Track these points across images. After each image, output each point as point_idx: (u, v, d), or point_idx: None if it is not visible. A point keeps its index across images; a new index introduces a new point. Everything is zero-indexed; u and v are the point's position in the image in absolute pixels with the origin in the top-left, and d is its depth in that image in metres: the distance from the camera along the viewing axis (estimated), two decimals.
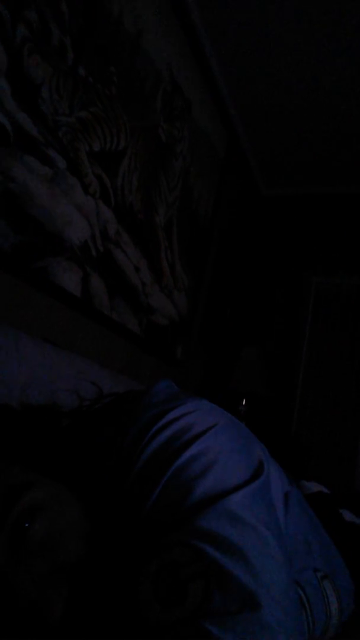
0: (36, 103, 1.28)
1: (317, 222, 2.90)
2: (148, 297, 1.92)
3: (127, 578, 0.45)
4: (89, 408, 0.61)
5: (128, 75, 1.68)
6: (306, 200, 2.98)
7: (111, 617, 0.45)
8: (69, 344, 1.47)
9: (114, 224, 1.67)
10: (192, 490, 0.48)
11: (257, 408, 2.49)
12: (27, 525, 0.46)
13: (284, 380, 2.70)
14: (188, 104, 2.12)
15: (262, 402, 2.53)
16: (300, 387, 2.68)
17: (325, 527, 0.77)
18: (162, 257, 2.02)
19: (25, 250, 1.28)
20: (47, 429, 0.55)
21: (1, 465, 0.49)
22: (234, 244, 2.86)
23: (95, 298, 1.59)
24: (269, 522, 0.49)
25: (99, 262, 1.59)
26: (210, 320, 2.60)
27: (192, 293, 2.32)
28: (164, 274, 2.04)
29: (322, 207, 2.92)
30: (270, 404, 2.59)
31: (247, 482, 0.50)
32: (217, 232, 2.60)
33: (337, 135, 2.52)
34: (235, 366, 2.50)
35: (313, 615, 0.61)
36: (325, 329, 2.71)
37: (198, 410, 0.55)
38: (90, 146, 1.51)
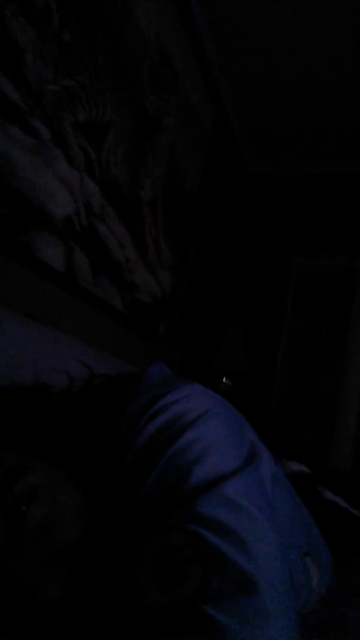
0: (19, 68, 1.22)
1: (302, 203, 2.89)
2: (132, 273, 1.90)
3: (124, 560, 0.45)
4: (81, 390, 0.60)
5: (115, 43, 1.62)
6: (292, 180, 2.96)
7: (109, 600, 0.45)
8: (52, 321, 1.45)
9: (98, 198, 1.63)
10: (189, 475, 0.48)
11: (238, 385, 2.52)
12: (24, 509, 0.46)
13: (265, 358, 2.72)
14: (175, 75, 2.07)
15: (243, 380, 2.55)
16: (279, 364, 2.71)
17: (306, 505, 0.79)
18: (147, 234, 1.99)
19: (6, 224, 1.24)
20: (40, 411, 0.54)
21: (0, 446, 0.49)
22: (219, 222, 2.84)
23: (79, 274, 1.56)
24: (263, 506, 0.50)
25: (83, 236, 1.56)
26: (193, 297, 2.59)
27: (176, 270, 2.30)
28: (149, 250, 2.01)
29: (307, 187, 2.91)
30: (251, 381, 2.62)
31: (241, 466, 0.51)
32: (202, 209, 2.57)
33: (326, 116, 2.50)
34: (218, 344, 2.51)
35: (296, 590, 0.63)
36: (306, 308, 2.74)
37: (192, 394, 0.55)
38: (75, 116, 1.46)
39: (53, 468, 0.50)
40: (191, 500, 0.47)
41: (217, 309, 2.84)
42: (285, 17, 2.02)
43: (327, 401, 2.56)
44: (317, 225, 2.80)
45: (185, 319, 2.53)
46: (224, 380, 2.49)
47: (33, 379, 0.84)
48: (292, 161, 2.91)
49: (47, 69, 1.32)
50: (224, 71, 2.39)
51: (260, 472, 0.56)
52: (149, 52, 1.84)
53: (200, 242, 2.63)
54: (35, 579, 0.44)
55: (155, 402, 0.52)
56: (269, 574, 0.44)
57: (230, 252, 2.97)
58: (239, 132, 2.80)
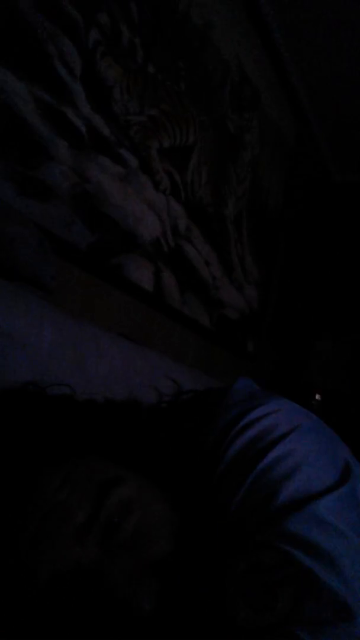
0: (108, 104, 1.31)
1: None
2: (218, 290, 1.92)
3: (214, 577, 0.45)
4: (169, 405, 0.62)
5: (196, 69, 1.68)
6: None
7: (198, 614, 0.45)
8: (142, 339, 1.51)
9: (184, 219, 1.68)
10: (279, 492, 0.47)
11: (331, 402, 2.42)
12: (117, 520, 0.46)
13: (357, 376, 2.59)
14: (257, 93, 2.08)
15: (336, 397, 2.45)
16: None
17: None
18: (232, 251, 2.01)
19: (100, 248, 1.33)
20: (130, 425, 0.56)
21: (91, 459, 0.50)
22: (306, 233, 2.78)
23: (167, 293, 1.62)
24: (358, 528, 0.47)
25: (170, 257, 1.61)
26: (281, 312, 2.55)
27: (263, 286, 2.28)
28: (234, 267, 2.02)
29: None
30: (346, 398, 2.51)
31: (334, 485, 0.49)
32: (287, 221, 2.54)
33: None
34: (308, 359, 2.44)
35: None
36: None
37: (281, 409, 0.54)
38: (160, 143, 1.53)
39: (144, 481, 0.50)
40: (282, 518, 0.45)
41: (308, 323, 2.77)
42: None
43: None
44: None
45: (273, 334, 2.50)
46: (316, 396, 2.41)
47: (125, 394, 0.88)
48: None
49: (133, 101, 1.40)
50: (304, 83, 2.36)
51: (355, 492, 0.53)
52: (229, 73, 1.87)
53: (287, 255, 2.59)
54: (128, 591, 0.44)
55: (244, 416, 0.52)
56: None
57: (319, 264, 2.89)
58: (322, 142, 2.74)
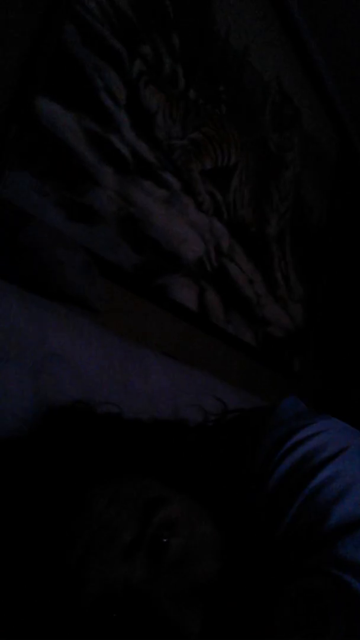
0: (152, 130, 1.36)
1: None
2: (263, 308, 1.91)
3: (263, 600, 0.44)
4: (215, 424, 0.61)
5: (236, 92, 1.71)
6: None
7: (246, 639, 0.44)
8: (186, 357, 1.51)
9: (227, 239, 1.69)
10: (329, 514, 0.45)
11: None
12: (165, 540, 0.45)
13: None
14: (297, 112, 2.09)
15: None
16: None
17: None
18: (276, 268, 2.00)
19: (145, 269, 1.35)
20: (177, 445, 0.56)
21: (137, 478, 0.50)
22: (352, 250, 2.73)
23: (211, 311, 1.62)
24: None
25: (213, 276, 1.62)
26: (329, 330, 2.50)
27: (308, 303, 2.25)
28: (278, 285, 2.01)
29: None
30: None
31: None
32: (332, 239, 2.50)
33: None
34: (358, 380, 2.37)
35: None
36: None
37: (329, 429, 0.53)
38: (202, 165, 1.55)
39: (190, 501, 0.50)
40: (332, 542, 0.44)
41: (356, 341, 2.69)
42: None
43: None
44: None
45: (320, 352, 2.44)
46: None
47: (171, 413, 0.89)
48: None
49: (175, 126, 1.44)
50: (345, 99, 2.35)
51: None
52: (269, 93, 1.89)
53: (333, 272, 2.54)
54: (174, 614, 0.43)
55: (292, 436, 0.51)
56: None
57: None
58: None
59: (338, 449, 0.50)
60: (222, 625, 0.44)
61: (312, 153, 2.24)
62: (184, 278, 1.49)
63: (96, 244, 1.21)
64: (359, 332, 2.71)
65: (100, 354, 0.88)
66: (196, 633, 0.43)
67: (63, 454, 0.52)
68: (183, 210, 1.49)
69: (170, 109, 1.41)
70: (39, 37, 1.08)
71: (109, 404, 0.64)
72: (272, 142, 1.93)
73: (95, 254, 1.19)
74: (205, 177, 1.57)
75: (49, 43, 1.10)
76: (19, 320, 0.72)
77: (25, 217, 0.99)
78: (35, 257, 0.91)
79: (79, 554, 0.45)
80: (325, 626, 0.40)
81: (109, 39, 1.22)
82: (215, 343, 1.67)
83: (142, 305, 1.37)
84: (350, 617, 0.39)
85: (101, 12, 1.20)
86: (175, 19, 1.41)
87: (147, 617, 0.44)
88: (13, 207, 1.03)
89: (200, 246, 1.56)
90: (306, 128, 2.17)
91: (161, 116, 1.38)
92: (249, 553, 0.49)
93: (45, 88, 1.09)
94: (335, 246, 2.55)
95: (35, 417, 0.64)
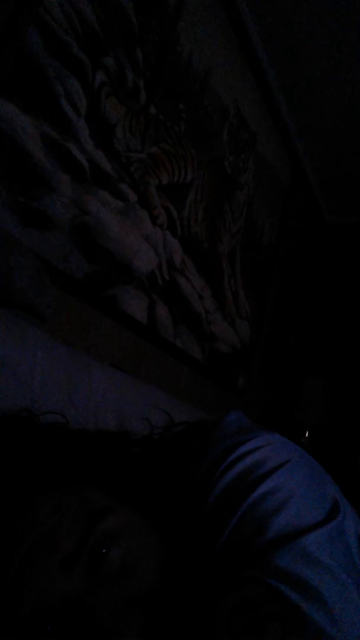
0: (111, 141, 1.36)
1: None
2: (211, 324, 1.94)
3: (201, 611, 0.44)
4: (160, 436, 0.62)
5: (196, 111, 1.75)
6: None
7: None
8: (134, 370, 1.51)
9: (179, 253, 1.71)
10: (267, 526, 0.47)
11: (320, 441, 2.41)
12: (104, 551, 0.45)
13: (349, 413, 2.59)
14: (253, 136, 2.16)
15: (325, 435, 2.44)
16: None
17: None
18: (226, 286, 2.04)
19: (96, 279, 1.34)
20: (121, 456, 0.56)
21: (81, 489, 0.50)
22: (298, 272, 2.83)
23: (160, 325, 1.63)
24: (346, 565, 0.47)
25: (164, 290, 1.64)
26: (272, 349, 2.57)
27: (255, 321, 2.31)
28: (227, 302, 2.05)
29: None
30: (334, 437, 2.50)
31: (323, 522, 0.49)
32: (280, 260, 2.59)
33: None
34: (298, 397, 2.44)
35: None
36: None
37: (271, 444, 0.54)
38: (159, 180, 1.57)
39: (133, 513, 0.50)
40: (270, 553, 0.45)
41: (298, 360, 2.78)
42: (355, 76, 2.07)
43: None
44: None
45: (264, 370, 2.51)
46: (306, 434, 2.40)
47: (117, 425, 0.88)
48: None
49: (135, 139, 1.45)
50: (298, 127, 2.46)
51: (344, 529, 0.53)
52: (227, 116, 1.95)
53: (280, 293, 2.63)
54: (112, 625, 0.43)
55: (234, 450, 0.52)
56: (352, 637, 0.41)
57: (310, 303, 2.93)
58: (315, 184, 2.83)
59: (278, 463, 0.52)
60: (161, 635, 0.44)
61: (266, 176, 2.32)
62: (135, 290, 1.50)
63: (48, 251, 1.19)
64: (302, 352, 2.81)
65: (46, 363, 0.86)
66: None
67: (6, 462, 0.51)
68: (138, 222, 1.49)
69: (130, 122, 1.42)
70: (0, 38, 1.07)
71: (55, 414, 0.63)
72: (228, 163, 1.99)
73: (47, 260, 1.17)
74: (161, 192, 1.59)
75: (10, 44, 1.08)
76: None
77: None
78: None
79: (18, 562, 0.45)
80: (261, 636, 0.40)
81: (72, 47, 1.22)
82: (163, 356, 1.68)
83: (91, 316, 1.36)
84: (284, 626, 0.41)
85: (66, 20, 1.20)
86: (140, 35, 1.44)
87: (84, 628, 0.43)
88: None
89: (152, 259, 1.57)
90: (261, 152, 2.25)
91: (121, 128, 1.39)
92: (190, 564, 0.49)
93: (1, 88, 1.07)
94: (282, 267, 2.64)
95: None
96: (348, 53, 1.99)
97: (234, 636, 0.41)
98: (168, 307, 1.66)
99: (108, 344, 1.43)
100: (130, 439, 0.61)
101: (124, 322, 1.47)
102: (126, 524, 0.48)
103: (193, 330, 1.81)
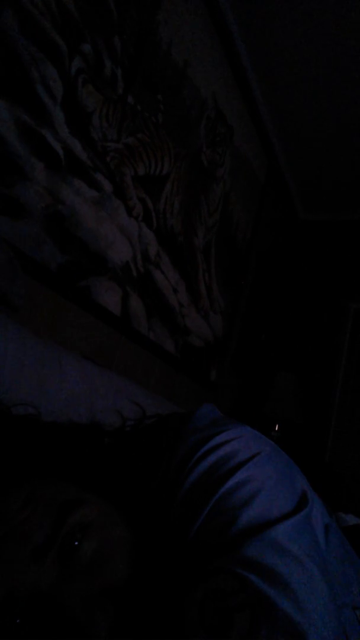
0: (87, 130, 1.34)
1: (356, 248, 2.87)
2: (185, 318, 1.94)
3: (172, 602, 0.45)
4: (133, 429, 0.62)
5: (174, 103, 1.74)
6: (345, 226, 2.96)
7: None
8: (107, 362, 1.50)
9: (154, 246, 1.70)
10: (237, 518, 0.48)
11: (290, 435, 2.45)
12: (77, 542, 0.46)
13: (319, 407, 2.65)
14: (230, 130, 2.17)
15: (294, 428, 2.49)
16: (335, 415, 2.62)
17: None
18: (200, 279, 2.04)
19: (70, 270, 1.33)
20: (93, 448, 0.56)
21: (53, 481, 0.49)
22: (272, 268, 2.86)
23: (134, 317, 1.62)
24: (314, 555, 0.48)
25: (139, 282, 1.63)
26: (245, 343, 2.59)
27: (229, 316, 2.32)
28: (201, 296, 2.06)
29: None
30: (303, 431, 2.55)
31: (292, 513, 0.50)
32: (254, 255, 2.61)
33: None
34: (269, 391, 2.47)
35: None
36: None
37: (242, 436, 0.55)
38: (135, 171, 1.56)
39: (105, 505, 0.50)
40: (240, 543, 0.46)
41: (269, 355, 2.82)
42: (335, 68, 2.09)
43: None
44: None
45: (236, 364, 2.53)
46: (276, 428, 2.44)
47: (88, 417, 0.87)
48: (345, 206, 2.92)
49: (111, 129, 1.43)
50: (275, 124, 2.48)
51: (311, 520, 0.55)
52: (205, 109, 1.95)
53: (253, 288, 2.65)
54: (83, 616, 0.43)
55: (206, 442, 0.53)
56: (320, 626, 0.42)
57: (283, 298, 2.96)
58: (290, 181, 2.86)
59: (249, 455, 0.53)
60: (132, 626, 0.45)
61: (242, 171, 2.33)
62: (109, 282, 1.48)
63: (20, 240, 1.17)
64: (273, 348, 2.84)
65: (17, 353, 0.85)
66: (103, 635, 0.43)
67: None
68: (113, 213, 1.48)
69: (107, 111, 1.40)
70: None
71: (26, 406, 0.63)
72: (204, 156, 1.98)
73: (19, 249, 1.15)
74: (137, 183, 1.58)
75: None
76: None
77: None
78: None
79: None
80: (230, 625, 0.41)
81: (49, 32, 1.19)
82: (136, 349, 1.67)
83: (64, 306, 1.34)
84: (252, 615, 0.42)
85: (43, 4, 1.17)
86: (118, 23, 1.41)
87: (54, 619, 0.43)
88: None
89: (127, 251, 1.56)
90: (238, 147, 2.25)
91: (97, 117, 1.37)
92: (161, 556, 0.50)
93: None
94: (256, 262, 2.66)
95: None
96: (327, 50, 2.01)
97: (204, 626, 0.42)
98: (142, 300, 1.65)
99: (80, 336, 1.41)
100: (103, 431, 0.61)
101: (97, 313, 1.46)
102: (98, 516, 0.48)
103: (167, 324, 1.81)
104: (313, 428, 2.60)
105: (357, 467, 2.46)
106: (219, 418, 0.59)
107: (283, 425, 2.45)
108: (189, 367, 2.01)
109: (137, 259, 1.61)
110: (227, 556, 0.45)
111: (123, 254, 1.54)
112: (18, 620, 0.43)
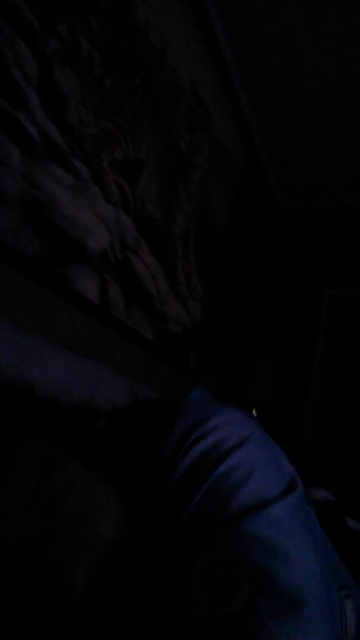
0: (63, 114, 1.31)
1: (333, 235, 2.91)
2: (163, 305, 1.94)
3: (173, 573, 0.48)
4: (122, 414, 0.64)
5: (152, 87, 1.71)
6: (322, 213, 2.99)
7: (153, 605, 0.47)
8: (85, 350, 1.49)
9: (133, 232, 1.69)
10: (233, 498, 0.51)
11: (268, 419, 2.49)
12: (60, 500, 0.49)
13: (296, 390, 2.70)
14: (209, 116, 2.15)
15: (273, 414, 2.53)
16: (311, 399, 2.68)
17: (332, 537, 0.79)
18: (179, 266, 2.04)
19: (47, 258, 1.31)
20: (87, 424, 0.59)
21: (41, 443, 0.53)
22: (250, 254, 2.87)
23: (112, 304, 1.61)
24: (307, 534, 0.52)
25: (117, 269, 1.62)
26: (223, 329, 2.61)
27: (207, 302, 2.33)
28: (180, 282, 2.06)
29: (338, 220, 2.93)
30: (281, 415, 2.59)
31: (284, 493, 0.54)
32: (233, 242, 2.62)
33: (356, 149, 2.53)
34: (247, 376, 2.51)
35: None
36: (339, 341, 2.72)
37: (233, 420, 0.58)
38: (113, 156, 1.54)
39: (93, 471, 0.53)
40: (237, 520, 0.49)
41: (247, 340, 2.85)
42: (315, 52, 2.09)
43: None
44: (349, 257, 2.81)
45: (215, 350, 2.55)
46: (253, 412, 2.48)
47: (67, 405, 0.87)
48: (322, 194, 2.95)
49: (88, 113, 1.40)
50: (254, 110, 2.47)
51: (302, 501, 0.58)
52: (184, 94, 1.92)
53: (231, 274, 2.66)
54: (62, 567, 0.46)
55: (198, 427, 0.56)
56: (318, 598, 0.46)
57: (260, 284, 2.99)
58: (269, 167, 2.86)
59: (239, 440, 0.56)
60: (130, 596, 0.48)
61: (220, 158, 2.32)
62: (87, 269, 1.47)
63: None
64: (251, 333, 2.87)
65: None
66: (81, 588, 0.46)
67: None
68: (91, 199, 1.46)
69: (83, 94, 1.37)
70: None
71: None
72: (183, 141, 1.96)
73: None
74: (115, 168, 1.56)
75: None
76: None
77: None
78: None
79: None
80: (231, 596, 0.45)
81: (22, 10, 1.16)
82: (115, 337, 1.67)
83: (42, 295, 1.32)
84: (253, 585, 0.45)
85: None
86: (95, 2, 1.38)
87: (37, 570, 0.46)
88: None
89: (105, 237, 1.54)
90: (216, 133, 2.24)
91: (74, 100, 1.34)
92: (158, 531, 0.53)
93: None
94: (235, 249, 2.67)
95: None
96: (308, 35, 2.00)
97: (207, 597, 0.45)
98: (120, 287, 1.64)
99: (58, 324, 1.40)
100: (97, 413, 0.64)
101: (75, 301, 1.44)
102: (82, 477, 0.52)
103: (145, 310, 1.81)
104: (290, 412, 2.65)
105: (333, 448, 2.52)
106: (209, 401, 0.62)
107: (261, 410, 2.48)
108: (168, 353, 2.02)
109: (115, 246, 1.60)
110: (227, 531, 0.49)
111: (101, 240, 1.53)
112: (3, 570, 0.47)
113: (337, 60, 2.07)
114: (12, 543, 0.46)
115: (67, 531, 0.48)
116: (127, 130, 1.59)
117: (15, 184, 1.18)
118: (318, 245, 2.93)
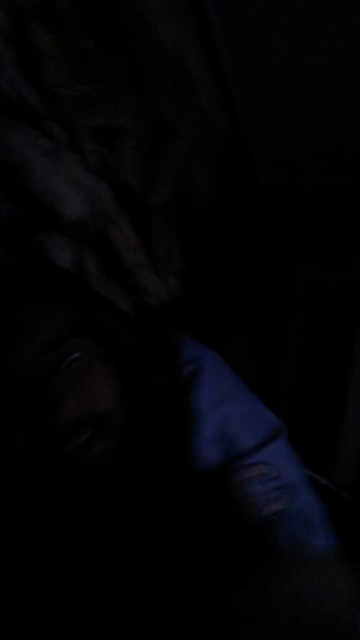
0: (39, 73, 1.26)
1: (312, 217, 2.91)
2: (141, 277, 1.91)
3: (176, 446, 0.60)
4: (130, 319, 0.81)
5: (136, 52, 1.65)
6: (304, 195, 2.98)
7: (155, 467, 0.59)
8: None
9: (111, 202, 1.65)
10: (238, 444, 0.64)
11: None
12: (70, 358, 0.59)
13: (269, 371, 2.72)
14: (193, 86, 2.10)
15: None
16: (285, 377, 2.71)
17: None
18: (158, 239, 2.01)
19: (20, 224, 1.27)
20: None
21: (68, 306, 0.66)
22: (230, 231, 2.86)
23: (89, 275, 1.58)
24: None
25: (94, 239, 1.58)
26: (201, 305, 2.61)
27: (185, 276, 2.31)
28: (160, 256, 2.03)
29: (319, 201, 2.92)
30: (257, 392, 2.62)
31: (276, 436, 0.70)
32: (213, 217, 2.59)
33: (341, 134, 2.51)
34: (224, 353, 2.51)
35: None
36: (314, 322, 2.74)
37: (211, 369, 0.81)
38: (92, 121, 1.49)
39: (99, 347, 0.64)
40: (254, 451, 0.63)
41: (224, 317, 2.85)
42: (306, 31, 2.05)
43: (334, 416, 2.54)
44: (328, 240, 2.81)
45: (192, 325, 2.54)
46: None
47: None
48: (304, 175, 2.93)
49: (66, 75, 1.35)
50: (240, 85, 2.42)
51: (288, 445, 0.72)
52: (168, 62, 1.87)
53: (210, 250, 2.64)
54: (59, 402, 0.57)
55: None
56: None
57: (238, 262, 2.98)
58: (253, 145, 2.83)
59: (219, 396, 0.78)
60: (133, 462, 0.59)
61: (204, 132, 2.27)
62: (62, 238, 1.43)
63: None
64: (229, 309, 2.88)
65: None
66: (72, 420, 0.58)
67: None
68: (68, 166, 1.41)
69: (61, 53, 1.31)
70: None
71: None
72: (166, 111, 1.91)
73: None
74: (95, 136, 1.51)
75: None
76: None
77: None
78: None
79: (6, 338, 0.58)
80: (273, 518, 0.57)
81: None
82: None
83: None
84: (286, 499, 0.57)
85: None
86: None
87: (41, 408, 0.56)
88: None
89: (83, 206, 1.50)
90: (201, 105, 2.19)
91: (51, 59, 1.28)
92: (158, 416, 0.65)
93: None
94: (217, 225, 2.64)
95: None
96: (300, 12, 1.95)
97: (253, 502, 0.54)
98: (98, 258, 1.61)
99: None
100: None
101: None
102: (88, 349, 0.62)
103: (123, 283, 1.78)
104: (265, 391, 2.67)
105: (307, 426, 2.56)
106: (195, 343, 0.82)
107: None
108: (145, 327, 2.01)
109: (93, 215, 1.56)
110: (247, 457, 0.60)
111: (78, 209, 1.49)
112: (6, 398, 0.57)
113: (328, 45, 2.03)
114: (16, 379, 0.57)
115: (69, 383, 0.61)
116: (109, 95, 1.54)
117: None
118: (297, 226, 2.94)
